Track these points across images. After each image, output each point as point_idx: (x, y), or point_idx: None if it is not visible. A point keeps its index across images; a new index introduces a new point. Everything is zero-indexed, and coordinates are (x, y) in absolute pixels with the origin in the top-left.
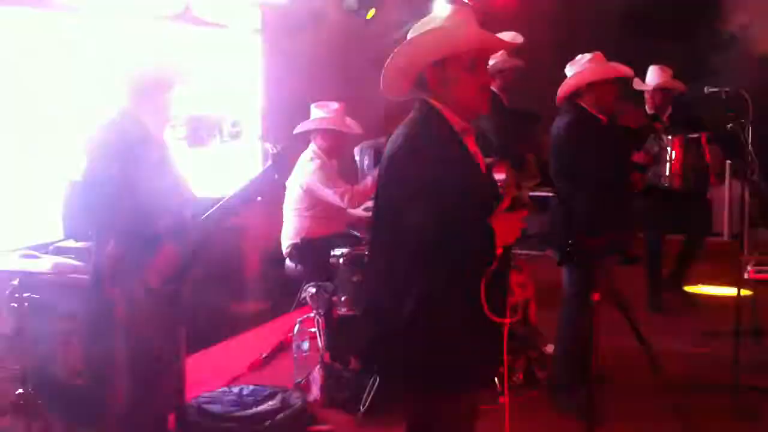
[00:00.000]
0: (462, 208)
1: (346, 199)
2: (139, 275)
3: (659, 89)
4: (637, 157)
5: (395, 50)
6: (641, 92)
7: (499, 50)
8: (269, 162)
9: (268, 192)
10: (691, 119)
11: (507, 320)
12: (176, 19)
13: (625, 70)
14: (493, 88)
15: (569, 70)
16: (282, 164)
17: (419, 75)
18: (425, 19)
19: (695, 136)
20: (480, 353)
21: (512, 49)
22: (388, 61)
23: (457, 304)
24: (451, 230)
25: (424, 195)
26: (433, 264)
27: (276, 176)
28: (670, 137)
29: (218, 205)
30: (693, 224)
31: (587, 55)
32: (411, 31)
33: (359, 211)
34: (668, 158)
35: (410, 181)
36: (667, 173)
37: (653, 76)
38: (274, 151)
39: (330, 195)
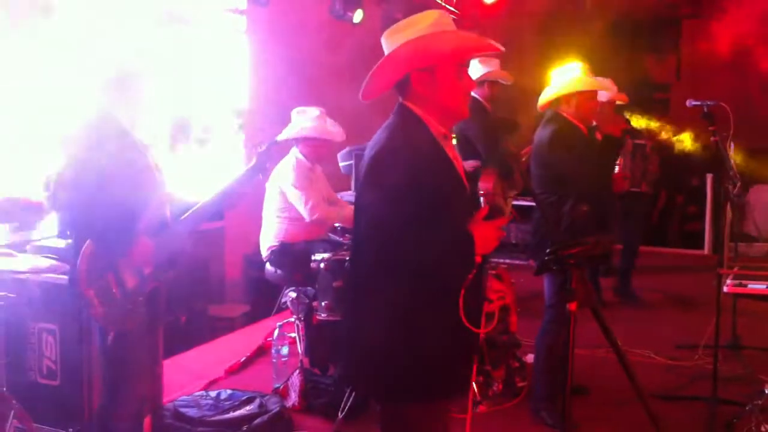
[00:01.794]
0: (443, 216)
1: (309, 207)
2: (115, 275)
3: (612, 102)
4: None
5: (384, 57)
6: None
7: (485, 51)
8: (254, 161)
9: (252, 192)
10: (633, 129)
11: (482, 330)
12: (158, 20)
13: (609, 86)
14: (479, 96)
15: (555, 78)
16: (266, 164)
17: (401, 79)
18: (403, 22)
19: (641, 142)
20: (456, 361)
21: (503, 66)
22: (375, 67)
23: (436, 313)
24: (432, 238)
25: (404, 201)
26: (413, 272)
27: (260, 176)
28: None
29: (201, 204)
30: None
31: (574, 66)
32: (391, 32)
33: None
34: (617, 162)
35: (391, 188)
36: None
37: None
38: (260, 150)
39: (297, 197)
